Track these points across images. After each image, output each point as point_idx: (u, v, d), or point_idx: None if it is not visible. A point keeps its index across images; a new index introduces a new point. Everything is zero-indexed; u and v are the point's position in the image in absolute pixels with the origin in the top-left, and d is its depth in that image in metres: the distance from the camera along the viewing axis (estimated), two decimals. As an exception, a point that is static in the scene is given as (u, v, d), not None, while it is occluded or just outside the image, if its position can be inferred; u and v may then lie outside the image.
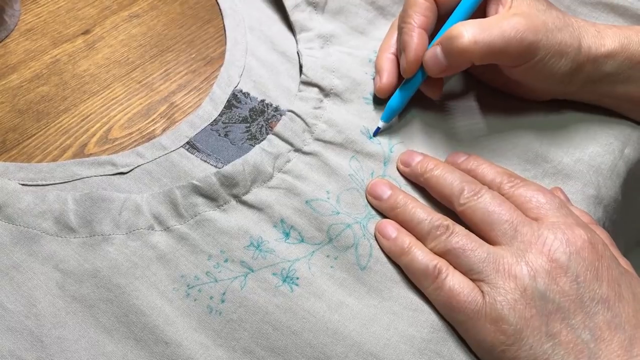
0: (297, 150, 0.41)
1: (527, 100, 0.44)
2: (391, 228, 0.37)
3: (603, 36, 0.40)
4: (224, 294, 0.35)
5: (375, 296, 0.36)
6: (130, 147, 0.42)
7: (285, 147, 0.40)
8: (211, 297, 0.35)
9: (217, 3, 0.52)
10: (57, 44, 0.48)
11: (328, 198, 0.39)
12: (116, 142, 0.43)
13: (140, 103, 0.45)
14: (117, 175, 0.40)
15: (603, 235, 0.36)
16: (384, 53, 0.44)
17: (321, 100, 0.43)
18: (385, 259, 0.37)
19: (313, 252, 0.37)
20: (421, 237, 0.36)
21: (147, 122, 0.44)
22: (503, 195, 0.37)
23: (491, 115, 0.44)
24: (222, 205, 0.38)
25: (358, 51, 0.47)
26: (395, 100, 0.42)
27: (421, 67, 0.41)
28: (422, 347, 0.34)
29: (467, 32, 0.38)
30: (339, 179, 0.40)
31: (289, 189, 0.39)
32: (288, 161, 0.40)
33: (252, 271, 0.36)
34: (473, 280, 0.33)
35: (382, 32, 0.49)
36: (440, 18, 0.42)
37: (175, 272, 0.36)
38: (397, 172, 0.41)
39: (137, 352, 0.33)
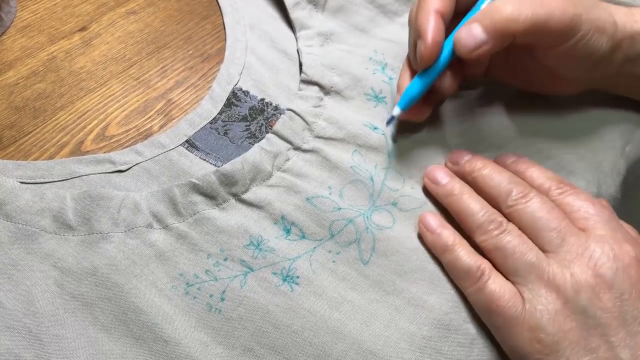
0: (297, 148, 0.40)
1: (556, 93, 0.43)
2: (435, 221, 0.37)
3: (633, 13, 0.39)
4: (223, 292, 0.35)
5: (378, 290, 0.36)
6: (127, 144, 0.42)
7: (284, 145, 0.40)
8: (211, 295, 0.35)
9: (217, 0, 0.52)
10: (53, 41, 0.48)
11: (330, 194, 0.39)
12: (113, 139, 0.42)
13: (137, 100, 0.45)
14: (116, 173, 0.40)
15: None
16: (405, 72, 0.41)
17: (321, 99, 0.43)
18: (388, 253, 0.37)
19: (314, 248, 0.37)
20: (472, 229, 0.36)
21: (144, 119, 0.44)
22: (551, 201, 0.36)
23: (493, 112, 0.44)
24: (222, 204, 0.38)
25: (358, 49, 0.47)
26: (414, 87, 0.39)
27: (441, 53, 0.38)
28: (423, 345, 0.34)
29: (509, 3, 0.36)
30: (341, 172, 0.40)
31: (289, 187, 0.39)
32: (287, 160, 0.40)
33: (252, 270, 0.36)
34: (515, 283, 0.33)
35: (383, 30, 0.49)
36: (457, 15, 0.40)
37: (174, 270, 0.36)
38: (400, 164, 0.41)
39: (136, 350, 0.33)
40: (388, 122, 0.40)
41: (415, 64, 0.39)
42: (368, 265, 0.37)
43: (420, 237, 0.38)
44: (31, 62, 0.47)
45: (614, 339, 0.30)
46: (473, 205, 0.36)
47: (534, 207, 0.35)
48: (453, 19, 0.39)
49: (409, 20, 0.41)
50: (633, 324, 0.31)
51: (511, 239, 0.34)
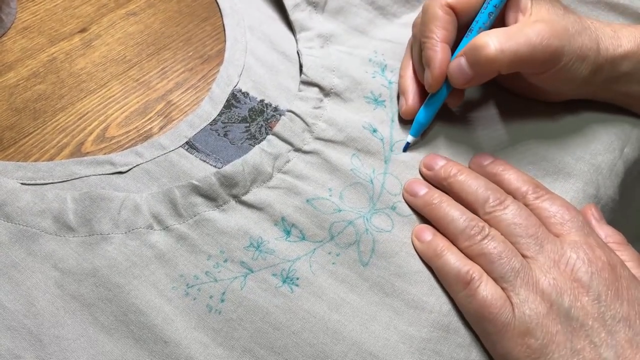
0: (297, 150, 0.41)
1: (541, 100, 0.45)
2: (428, 232, 0.37)
3: (619, 36, 0.41)
4: (223, 293, 0.35)
5: (377, 292, 0.36)
6: (127, 145, 0.42)
7: (284, 147, 0.40)
8: (211, 297, 0.35)
9: (216, 2, 0.52)
10: (54, 42, 0.48)
11: (330, 195, 0.39)
12: (113, 141, 0.42)
13: (137, 101, 0.45)
14: (116, 175, 0.40)
15: (633, 255, 0.36)
16: (406, 72, 0.44)
17: (321, 100, 0.43)
18: (387, 255, 0.37)
19: (314, 249, 0.37)
20: (454, 235, 0.36)
21: (144, 120, 0.44)
22: (527, 205, 0.37)
23: (491, 116, 0.44)
24: (222, 205, 0.38)
25: (358, 50, 0.47)
26: (422, 116, 0.41)
27: (445, 80, 0.40)
28: (422, 347, 0.34)
29: (493, 41, 0.37)
30: (341, 175, 0.40)
31: (289, 189, 0.39)
32: (288, 161, 0.40)
33: (252, 272, 0.36)
34: (502, 288, 0.33)
35: (382, 32, 0.49)
36: (460, 29, 0.41)
37: (174, 271, 0.36)
38: (398, 169, 0.41)
39: (136, 351, 0.33)
40: (405, 149, 0.42)
41: (421, 77, 0.42)
42: (367, 267, 0.37)
43: None
44: (31, 63, 0.47)
45: (597, 339, 0.31)
46: (453, 212, 0.37)
47: (512, 214, 0.36)
48: (457, 32, 0.42)
49: (413, 34, 0.44)
50: (612, 323, 0.32)
51: (496, 245, 0.34)
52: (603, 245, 0.35)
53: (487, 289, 0.33)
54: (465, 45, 0.40)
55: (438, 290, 0.36)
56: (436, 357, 0.34)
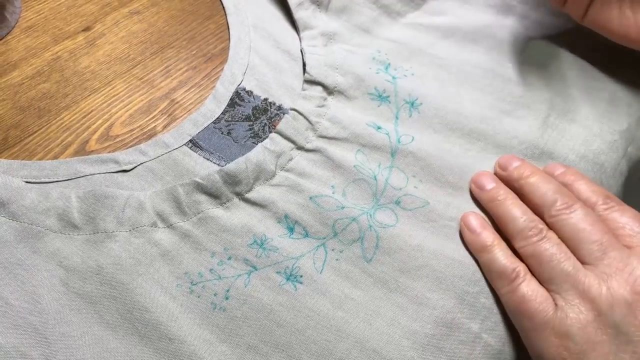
0: (300, 148, 0.41)
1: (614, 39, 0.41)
2: (476, 222, 0.37)
3: None
4: (228, 291, 0.35)
5: (381, 287, 0.36)
6: (131, 144, 0.42)
7: (288, 145, 0.41)
8: (215, 294, 0.35)
9: (220, 0, 0.52)
10: (58, 41, 0.48)
11: (333, 193, 0.39)
12: (117, 139, 0.43)
13: (141, 100, 0.45)
14: (120, 173, 0.40)
15: None
16: None
17: (325, 99, 0.43)
18: (391, 250, 0.37)
19: (318, 246, 0.37)
20: (512, 235, 0.36)
21: (147, 119, 0.44)
22: None
23: (496, 111, 0.44)
24: (225, 203, 0.38)
25: (362, 49, 0.47)
26: None
27: None
28: (425, 343, 0.34)
29: None
30: (344, 171, 0.40)
31: (292, 186, 0.39)
32: (291, 159, 0.40)
33: (256, 269, 0.36)
34: (549, 290, 0.33)
35: (386, 31, 0.49)
36: None
37: (178, 269, 0.36)
38: (404, 163, 0.41)
39: (141, 348, 0.33)
40: None
41: None
42: (371, 263, 0.37)
43: (424, 235, 0.38)
44: (36, 62, 0.47)
45: None
46: (515, 211, 0.36)
47: (577, 219, 0.34)
48: None
49: None
50: None
51: (549, 247, 0.34)
52: None
53: (529, 286, 0.33)
54: None
55: (442, 286, 0.36)
56: (439, 354, 0.34)
